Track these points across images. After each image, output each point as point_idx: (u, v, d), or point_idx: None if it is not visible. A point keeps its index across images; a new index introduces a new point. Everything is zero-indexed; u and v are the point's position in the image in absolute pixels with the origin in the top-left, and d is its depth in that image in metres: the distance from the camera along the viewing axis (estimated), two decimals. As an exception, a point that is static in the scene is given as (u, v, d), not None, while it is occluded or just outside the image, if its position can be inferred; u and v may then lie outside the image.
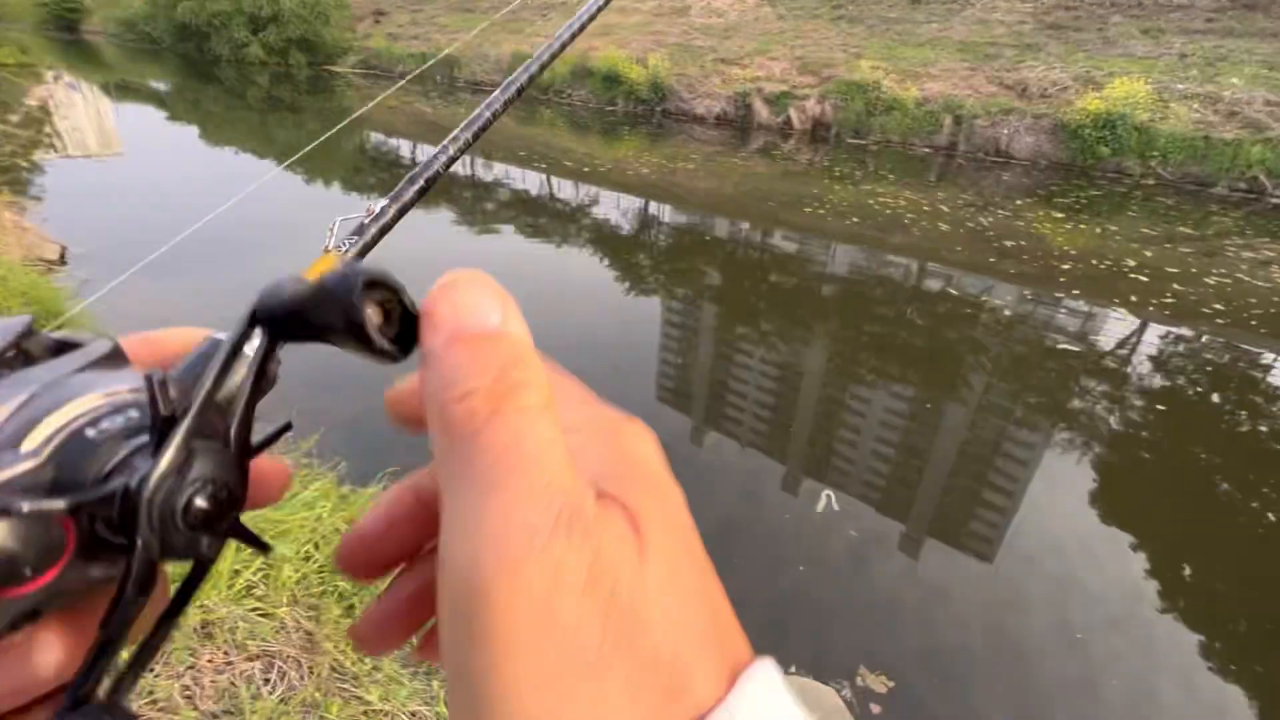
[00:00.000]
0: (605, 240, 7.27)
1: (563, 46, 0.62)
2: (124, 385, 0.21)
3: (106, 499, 0.18)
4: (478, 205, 8.51)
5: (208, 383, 0.21)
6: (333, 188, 8.94)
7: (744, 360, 4.80)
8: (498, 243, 7.08)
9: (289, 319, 0.22)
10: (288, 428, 0.26)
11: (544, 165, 10.70)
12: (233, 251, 6.10)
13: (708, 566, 0.20)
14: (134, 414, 0.21)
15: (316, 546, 1.97)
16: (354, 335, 0.20)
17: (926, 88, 13.77)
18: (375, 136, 12.87)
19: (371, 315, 0.19)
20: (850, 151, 13.02)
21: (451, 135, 0.49)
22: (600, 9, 0.71)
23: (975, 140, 12.98)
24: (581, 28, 0.63)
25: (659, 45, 18.23)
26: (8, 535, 0.16)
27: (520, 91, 0.60)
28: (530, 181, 9.74)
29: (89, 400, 0.20)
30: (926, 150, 13.41)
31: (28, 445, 0.18)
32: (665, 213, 8.62)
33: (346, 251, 0.33)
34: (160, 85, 19.87)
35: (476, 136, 0.51)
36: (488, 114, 0.53)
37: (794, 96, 14.89)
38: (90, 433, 0.19)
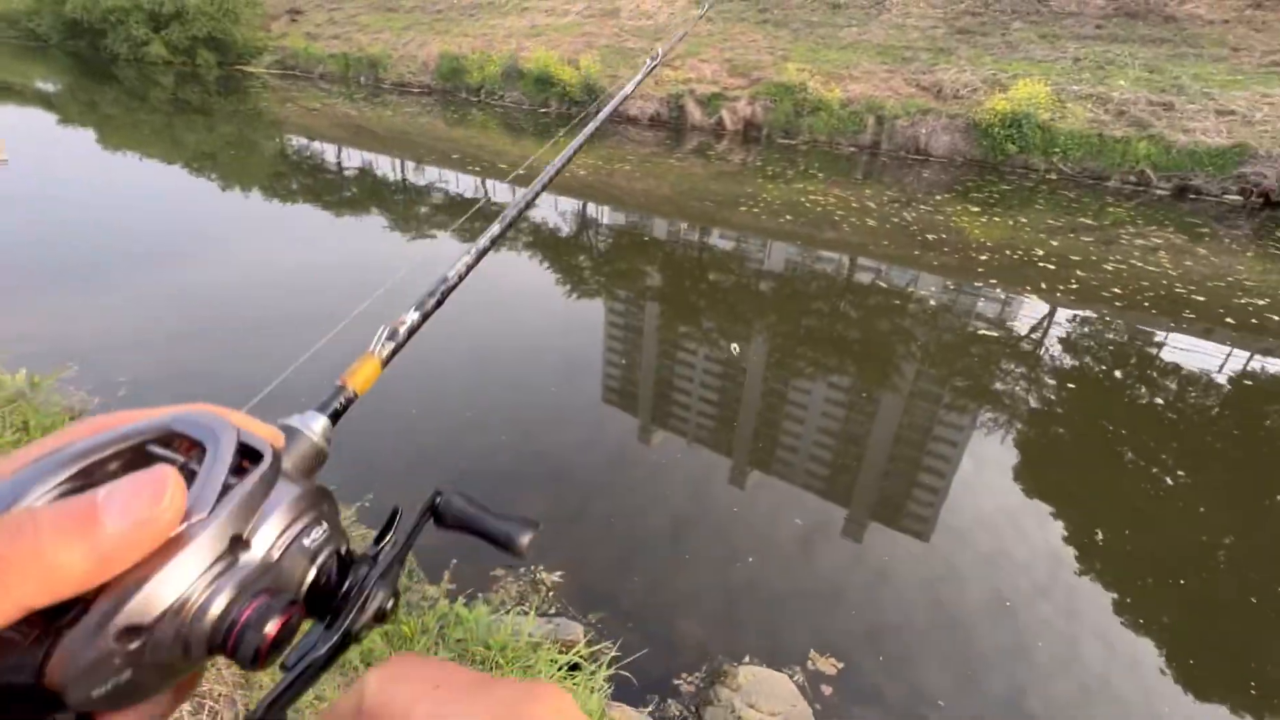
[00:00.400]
0: (545, 243, 7.20)
1: (550, 180, 0.80)
2: (300, 499, 0.29)
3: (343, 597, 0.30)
4: (410, 210, 8.26)
5: (408, 541, 0.34)
6: (252, 195, 8.47)
7: (687, 358, 4.86)
8: (432, 249, 6.89)
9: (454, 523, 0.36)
10: (395, 515, 0.36)
11: (478, 168, 10.49)
12: (135, 261, 5.69)
13: None
14: (325, 527, 0.30)
15: None
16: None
17: (850, 89, 14.33)
18: (297, 140, 12.28)
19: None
20: (781, 151, 13.39)
21: (460, 260, 0.64)
22: (614, 107, 0.88)
23: (897, 139, 13.61)
24: (566, 161, 0.80)
25: (590, 47, 18.21)
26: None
27: (511, 224, 0.76)
28: (464, 184, 9.53)
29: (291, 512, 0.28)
30: (852, 149, 13.95)
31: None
32: (604, 214, 8.62)
33: (382, 353, 0.47)
34: (48, 86, 18.27)
35: (478, 259, 0.66)
36: (486, 243, 0.75)
37: (725, 98, 15.19)
38: (305, 542, 0.28)
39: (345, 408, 0.41)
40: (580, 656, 2.15)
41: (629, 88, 0.86)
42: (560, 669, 2.00)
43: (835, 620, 2.57)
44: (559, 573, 2.65)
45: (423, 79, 20.66)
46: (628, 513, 3.08)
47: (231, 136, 12.42)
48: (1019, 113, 12.04)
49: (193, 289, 5.24)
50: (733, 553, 2.87)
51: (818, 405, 4.36)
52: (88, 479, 0.23)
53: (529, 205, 0.70)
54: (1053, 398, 4.51)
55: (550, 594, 2.56)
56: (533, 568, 2.66)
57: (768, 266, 6.87)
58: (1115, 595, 2.81)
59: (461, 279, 0.62)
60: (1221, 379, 4.89)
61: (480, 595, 2.47)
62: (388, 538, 0.33)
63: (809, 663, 2.35)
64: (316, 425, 0.36)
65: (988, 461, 3.76)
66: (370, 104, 17.32)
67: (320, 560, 0.29)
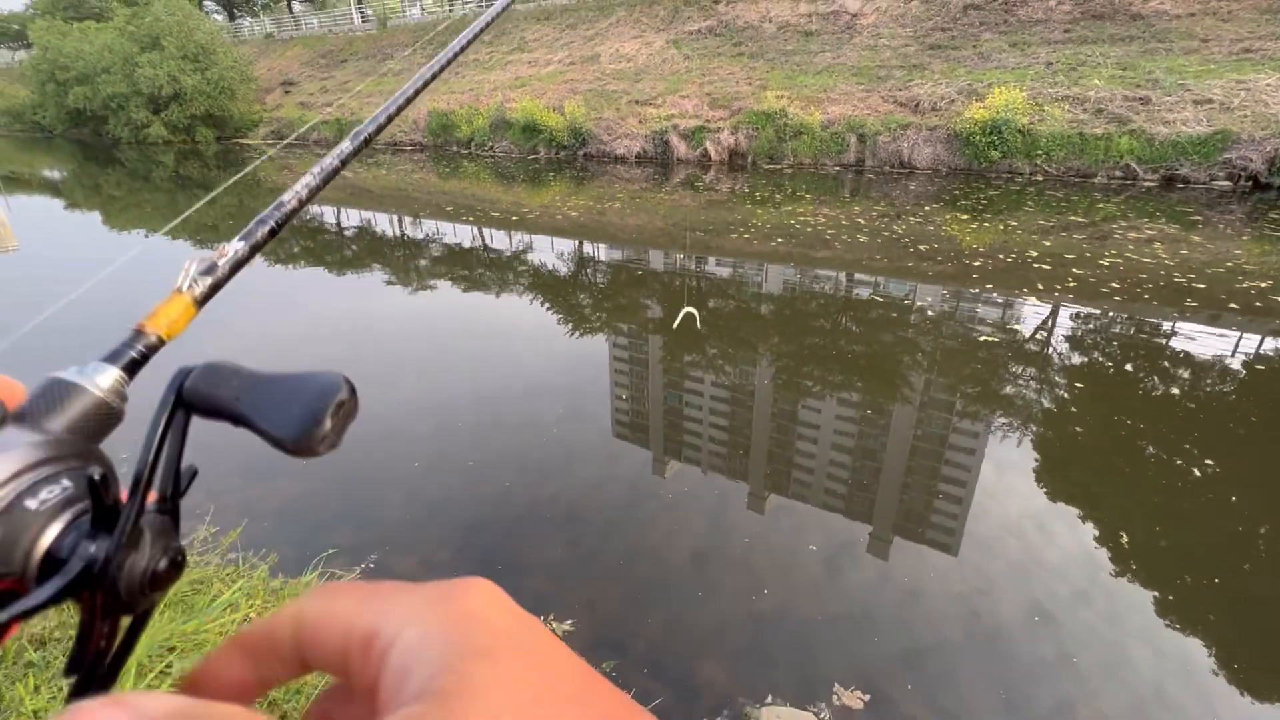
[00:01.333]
0: (544, 285, 7.28)
1: (407, 101, 0.66)
2: (31, 450, 0.24)
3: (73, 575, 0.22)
4: (410, 263, 8.39)
5: (148, 459, 0.25)
6: (254, 261, 8.63)
7: (695, 387, 4.85)
8: (434, 300, 6.97)
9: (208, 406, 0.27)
10: (194, 474, 0.29)
11: (472, 218, 10.69)
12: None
13: (578, 679, 0.21)
14: (67, 484, 0.24)
15: None
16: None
17: (829, 111, 14.63)
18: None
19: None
20: (767, 176, 13.61)
21: (302, 181, 0.50)
22: (448, 62, 0.76)
23: (880, 155, 13.83)
24: (425, 84, 0.67)
25: (574, 92, 18.73)
26: None
27: (367, 141, 0.63)
28: (461, 235, 9.69)
29: (9, 464, 0.23)
30: (837, 169, 14.17)
31: None
32: (600, 252, 8.73)
33: (194, 290, 0.37)
34: (54, 174, 18.84)
35: (325, 182, 0.53)
36: (336, 162, 0.55)
37: (708, 130, 15.53)
38: (30, 504, 0.23)
39: (146, 356, 0.35)
40: None
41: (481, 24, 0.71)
42: None
43: (861, 648, 2.49)
44: (570, 621, 2.58)
45: (414, 136, 21.24)
46: (642, 551, 3.03)
47: (232, 207, 12.73)
48: (998, 119, 12.24)
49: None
50: (752, 584, 2.81)
51: (829, 423, 4.32)
52: None
53: (380, 129, 0.59)
54: (1065, 396, 4.47)
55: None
56: (544, 618, 2.59)
57: (766, 289, 6.91)
58: (1155, 595, 2.72)
59: (303, 204, 0.52)
60: (1235, 364, 4.84)
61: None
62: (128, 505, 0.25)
63: (834, 697, 2.27)
64: (101, 378, 0.32)
65: (1008, 467, 3.70)
66: (364, 165, 17.75)
67: (56, 526, 0.24)
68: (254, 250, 0.45)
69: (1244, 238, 8.06)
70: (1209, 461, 3.62)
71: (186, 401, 0.29)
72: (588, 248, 8.88)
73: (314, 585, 2.32)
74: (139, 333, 0.35)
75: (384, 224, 10.71)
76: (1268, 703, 2.27)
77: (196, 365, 0.29)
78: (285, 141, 23.65)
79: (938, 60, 15.37)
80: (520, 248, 8.92)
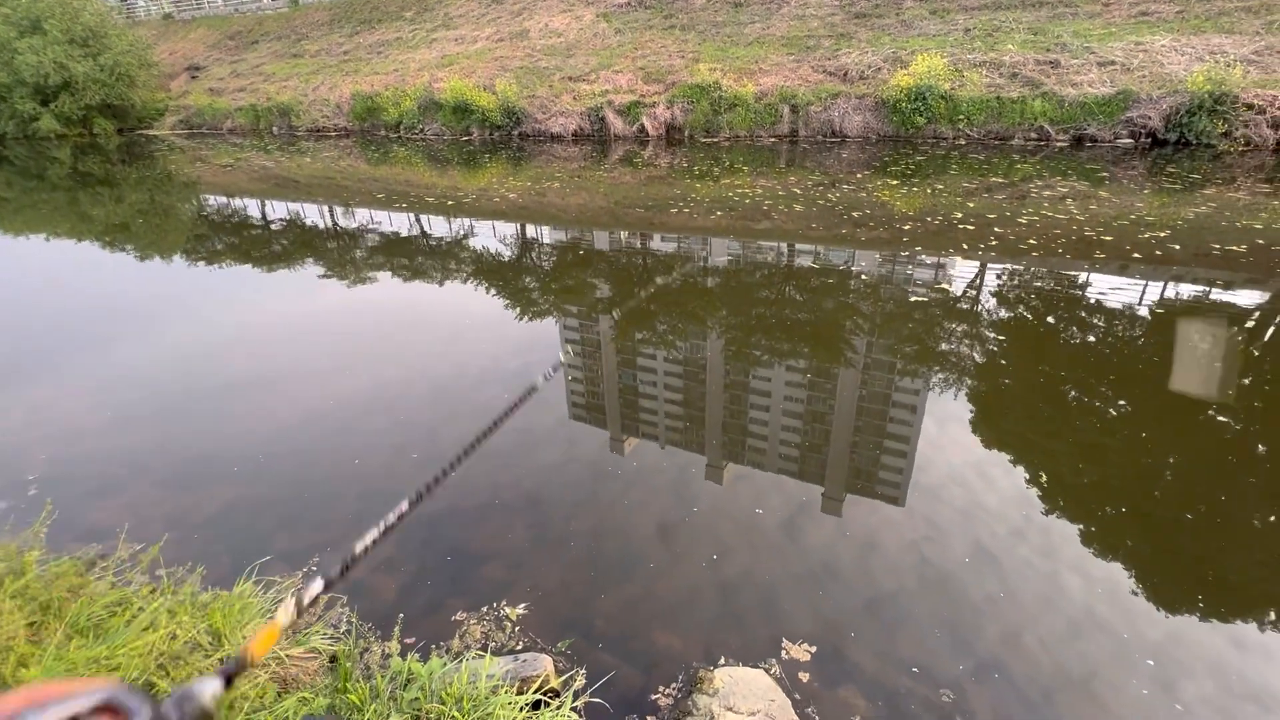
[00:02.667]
0: (488, 271, 7.14)
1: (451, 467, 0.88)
2: None
3: None
4: (345, 255, 8.06)
5: None
6: (173, 261, 8.10)
7: (648, 363, 4.89)
8: (375, 292, 6.73)
9: None
10: None
11: (406, 204, 10.32)
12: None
13: None
14: None
15: (167, 671, 1.76)
16: None
17: (761, 82, 14.75)
18: (215, 200, 11.82)
19: None
20: (705, 150, 13.65)
21: (368, 533, 0.68)
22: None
23: (812, 125, 14.07)
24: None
25: (504, 70, 18.20)
26: None
27: (426, 493, 0.82)
28: (398, 223, 9.36)
29: None
30: (773, 139, 14.35)
31: None
32: (543, 233, 8.60)
33: (284, 621, 0.56)
34: (-71, 177, 17.06)
35: (386, 533, 0.69)
36: (394, 518, 0.70)
37: (644, 105, 15.41)
38: None
39: (239, 672, 0.49)
40: (546, 691, 2.10)
41: None
42: (521, 710, 1.89)
43: (818, 602, 2.61)
44: (523, 605, 2.59)
45: (338, 121, 20.23)
46: (603, 530, 3.06)
47: (143, 204, 11.86)
48: (922, 86, 12.63)
49: (112, 371, 4.98)
50: (712, 552, 2.89)
51: (780, 390, 4.45)
52: None
53: (438, 481, 0.81)
54: (994, 350, 4.74)
55: (516, 629, 2.48)
56: (496, 604, 2.59)
57: (711, 263, 6.98)
58: (1082, 527, 2.96)
59: (368, 551, 0.68)
60: (1143, 310, 5.24)
61: (441, 644, 2.39)
62: None
63: (783, 652, 2.37)
64: (208, 691, 0.46)
65: (947, 419, 3.91)
66: (286, 153, 16.83)
67: None
68: (327, 586, 0.61)
69: (1145, 191, 8.65)
70: (1122, 402, 3.93)
71: None
72: (530, 230, 8.73)
73: (247, 593, 2.25)
74: (242, 657, 0.50)
75: (314, 215, 10.21)
76: (1180, 614, 2.51)
77: None
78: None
79: (863, 29, 15.67)
80: (460, 233, 8.69)
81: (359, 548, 0.70)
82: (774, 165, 11.79)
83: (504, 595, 2.64)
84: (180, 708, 0.43)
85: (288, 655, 2.05)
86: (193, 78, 25.84)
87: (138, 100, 23.61)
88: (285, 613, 0.53)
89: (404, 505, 0.75)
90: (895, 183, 9.74)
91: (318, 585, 0.58)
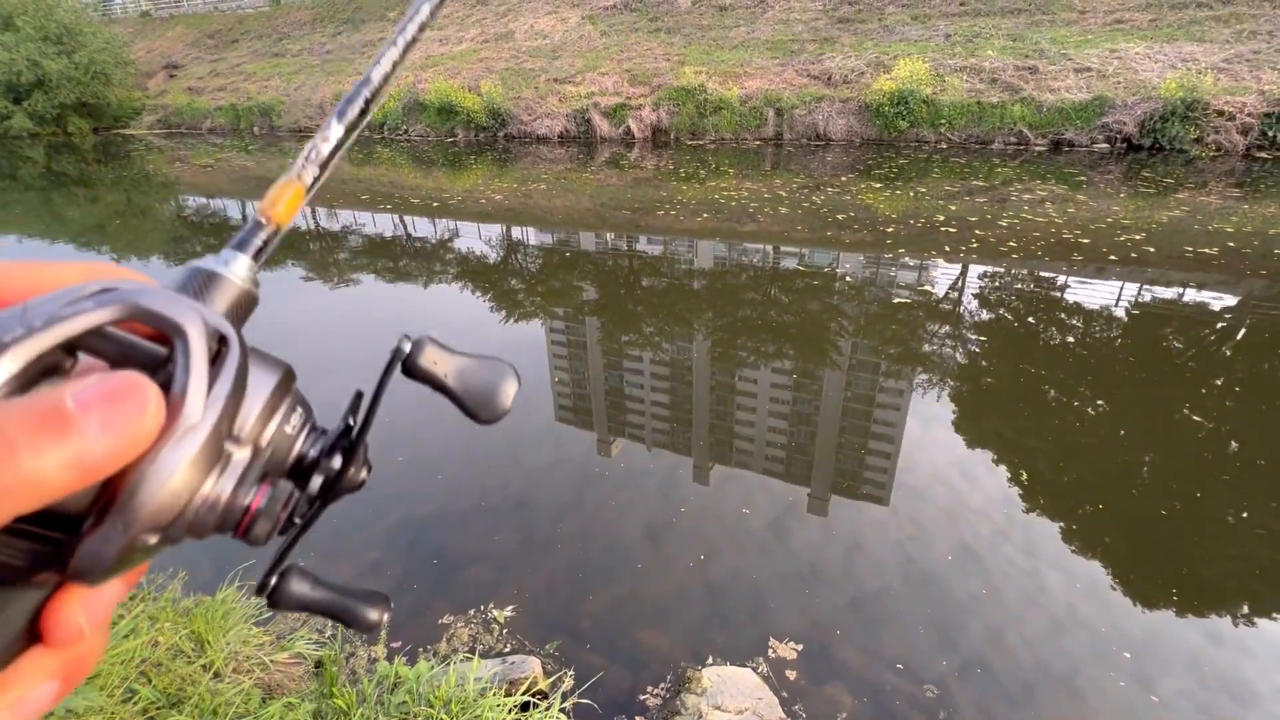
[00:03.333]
0: (474, 272, 7.10)
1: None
2: (277, 388, 0.30)
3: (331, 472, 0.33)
4: (328, 257, 7.97)
5: (372, 405, 0.35)
6: (152, 261, 7.96)
7: (634, 365, 4.90)
8: (358, 294, 6.67)
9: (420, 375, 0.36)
10: (358, 396, 0.37)
11: (391, 206, 10.24)
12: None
13: None
14: (299, 412, 0.32)
15: (148, 679, 1.74)
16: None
17: (746, 86, 14.84)
18: (194, 200, 11.64)
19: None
20: (691, 152, 13.71)
21: (383, 53, 0.47)
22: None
23: (797, 128, 14.19)
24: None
25: (489, 71, 18.14)
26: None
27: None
28: (382, 224, 9.28)
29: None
30: (758, 143, 14.44)
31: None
32: (529, 235, 8.58)
33: (305, 177, 0.39)
34: (-105, 176, 16.62)
35: (405, 51, 0.50)
36: (414, 30, 0.52)
37: (630, 107, 15.43)
38: (288, 429, 0.30)
39: (269, 241, 0.37)
40: (534, 693, 2.10)
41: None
42: (510, 712, 1.89)
43: (805, 602, 2.64)
44: (510, 608, 2.58)
45: (320, 122, 19.99)
46: (590, 532, 3.06)
47: (119, 205, 11.65)
48: (904, 90, 12.79)
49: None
50: (699, 553, 2.90)
51: (765, 392, 4.48)
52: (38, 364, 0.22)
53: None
54: (976, 350, 4.81)
55: (504, 631, 2.47)
56: (484, 607, 2.58)
57: (697, 265, 7.01)
58: (1062, 525, 3.01)
59: (387, 79, 0.51)
60: (1119, 311, 5.34)
61: (428, 648, 2.38)
62: (354, 418, 0.35)
63: (770, 651, 2.38)
64: (240, 267, 0.34)
65: (931, 419, 3.96)
66: (268, 153, 16.62)
67: (301, 441, 0.31)
68: (349, 131, 0.44)
69: (1121, 195, 8.84)
70: (1100, 401, 4.01)
71: (407, 367, 0.35)
72: (516, 232, 8.70)
73: (230, 599, 2.22)
74: (261, 222, 0.37)
75: (296, 217, 10.09)
76: (1157, 610, 2.57)
77: (416, 339, 0.35)
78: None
79: (846, 34, 15.84)
80: (446, 235, 8.64)
81: (376, 76, 0.47)
82: (759, 168, 11.87)
83: (491, 598, 2.63)
84: (212, 298, 0.31)
85: (272, 661, 2.02)
86: (171, 76, 25.44)
87: (114, 99, 23.20)
88: (306, 167, 0.39)
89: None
90: (879, 186, 9.85)
91: (336, 130, 0.40)
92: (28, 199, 12.46)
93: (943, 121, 12.96)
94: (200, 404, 0.24)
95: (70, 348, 0.23)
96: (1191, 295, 5.59)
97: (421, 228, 9.06)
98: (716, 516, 3.15)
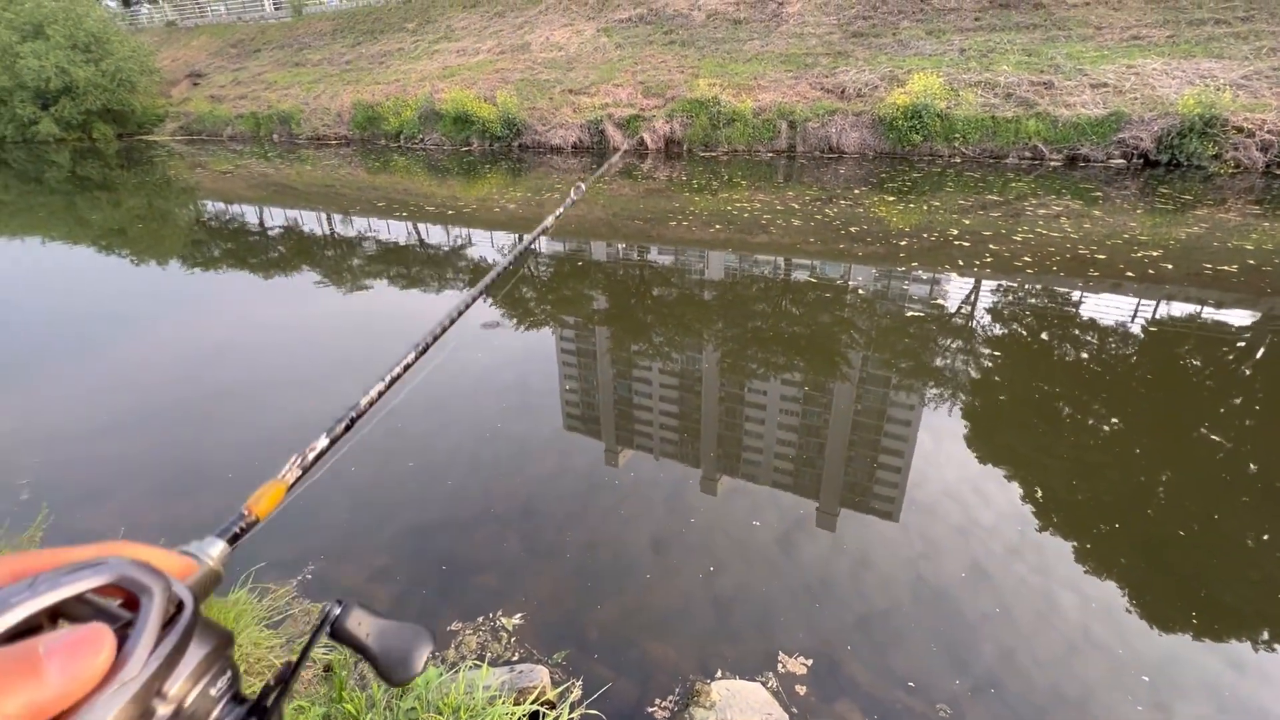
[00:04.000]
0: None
1: (469, 305, 0.84)
2: (212, 652, 0.34)
3: None
4: (342, 263, 8.06)
5: (296, 668, 0.39)
6: (169, 266, 8.09)
7: (643, 374, 4.90)
8: (370, 299, 6.73)
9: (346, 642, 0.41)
10: (287, 667, 0.42)
11: (406, 213, 10.35)
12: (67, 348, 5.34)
13: None
14: (227, 677, 0.34)
15: None
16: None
17: (760, 98, 14.90)
18: (213, 206, 11.83)
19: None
20: (703, 164, 13.76)
21: (373, 385, 0.64)
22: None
23: (810, 140, 14.20)
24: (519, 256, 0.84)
25: (505, 82, 18.34)
26: None
27: (440, 336, 0.80)
28: (395, 231, 9.38)
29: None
30: (770, 155, 14.47)
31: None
32: (540, 243, 8.62)
33: (289, 478, 0.50)
34: (-75, 179, 17.03)
35: (391, 384, 0.64)
36: (400, 370, 0.72)
37: (643, 118, 15.53)
38: (213, 691, 0.33)
39: (245, 532, 0.46)
40: (542, 702, 2.08)
41: (549, 220, 1.05)
42: None
43: (808, 617, 2.61)
44: (519, 615, 2.57)
45: (339, 130, 20.32)
46: (597, 541, 3.05)
47: (140, 209, 11.85)
48: (918, 104, 12.78)
49: (106, 375, 4.95)
50: (707, 566, 2.88)
51: (775, 403, 4.46)
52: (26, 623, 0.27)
53: (444, 330, 0.76)
54: (989, 365, 4.76)
55: (512, 639, 2.46)
56: (492, 614, 2.58)
57: (708, 276, 7.01)
58: (1075, 544, 2.96)
59: (372, 404, 0.63)
60: (1135, 328, 5.28)
61: (437, 655, 2.37)
62: (276, 689, 0.38)
63: (780, 666, 2.36)
64: (214, 551, 0.43)
65: (942, 434, 3.92)
66: (286, 160, 16.87)
67: (220, 708, 0.33)
68: (332, 441, 0.55)
69: (1138, 211, 8.75)
70: (1115, 419, 3.95)
71: (334, 629, 0.40)
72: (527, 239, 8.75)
73: (242, 601, 2.23)
74: (243, 514, 0.46)
75: (311, 223, 10.23)
76: (1175, 633, 2.51)
77: (344, 603, 0.40)
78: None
79: (861, 48, 15.88)
80: (459, 243, 8.71)
81: (364, 401, 0.66)
82: (772, 180, 11.88)
83: (499, 606, 2.62)
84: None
85: (281, 664, 2.02)
86: (194, 84, 25.95)
87: (138, 106, 23.68)
88: (291, 470, 0.48)
89: (410, 356, 0.68)
90: (892, 199, 9.82)
91: (322, 442, 0.53)
92: (52, 202, 12.71)
93: (957, 135, 12.93)
94: (142, 660, 0.29)
95: (54, 614, 0.29)
96: (1210, 313, 5.51)
97: (435, 235, 9.14)
98: (724, 528, 3.13)
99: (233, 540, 0.44)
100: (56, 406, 4.42)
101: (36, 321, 6.27)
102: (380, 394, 0.64)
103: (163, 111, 24.41)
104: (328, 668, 2.16)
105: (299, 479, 0.49)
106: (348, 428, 0.58)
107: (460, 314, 0.75)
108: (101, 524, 3.13)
